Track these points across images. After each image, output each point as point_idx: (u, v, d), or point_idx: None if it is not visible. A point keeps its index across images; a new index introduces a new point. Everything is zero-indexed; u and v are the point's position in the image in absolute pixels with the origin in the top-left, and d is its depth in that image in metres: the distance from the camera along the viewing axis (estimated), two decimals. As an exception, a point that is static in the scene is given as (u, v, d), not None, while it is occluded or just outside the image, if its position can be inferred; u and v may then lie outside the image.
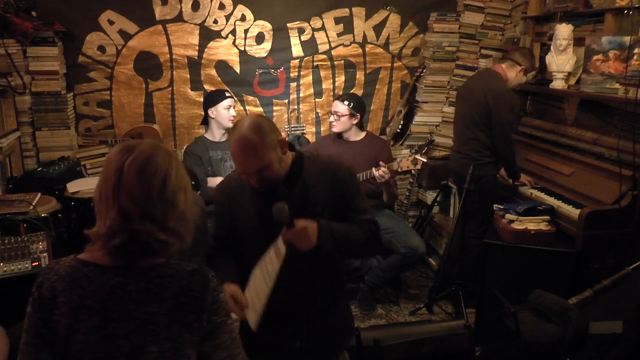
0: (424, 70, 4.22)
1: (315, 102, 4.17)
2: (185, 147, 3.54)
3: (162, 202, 1.13)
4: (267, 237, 1.65)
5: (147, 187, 1.12)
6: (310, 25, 4.00)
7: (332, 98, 4.09)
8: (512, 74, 3.31)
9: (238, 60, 3.96)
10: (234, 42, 3.92)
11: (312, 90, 4.14)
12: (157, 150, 1.17)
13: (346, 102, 3.38)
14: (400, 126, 4.22)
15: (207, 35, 3.87)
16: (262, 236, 1.68)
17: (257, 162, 1.59)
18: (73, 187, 3.19)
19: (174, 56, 3.85)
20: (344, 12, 4.04)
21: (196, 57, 3.88)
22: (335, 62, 4.12)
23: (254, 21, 3.91)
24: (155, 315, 1.11)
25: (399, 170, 3.11)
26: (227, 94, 3.40)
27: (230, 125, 3.39)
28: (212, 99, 3.39)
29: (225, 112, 3.34)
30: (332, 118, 3.43)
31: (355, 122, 3.41)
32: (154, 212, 1.13)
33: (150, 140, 1.22)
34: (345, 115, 3.37)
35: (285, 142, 1.68)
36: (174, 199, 1.15)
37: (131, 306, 1.11)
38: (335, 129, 3.43)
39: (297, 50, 4.03)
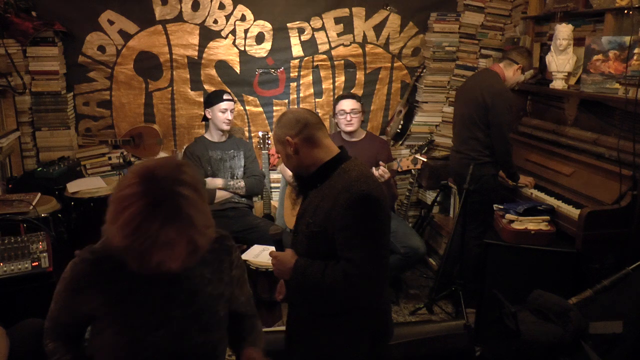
0: (424, 70, 4.22)
1: (315, 102, 4.17)
2: (185, 148, 3.54)
3: None
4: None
5: None
6: (310, 25, 4.00)
7: (332, 98, 4.09)
8: (510, 72, 3.31)
9: (238, 60, 3.95)
10: (234, 42, 3.92)
11: (312, 90, 4.14)
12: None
13: (356, 98, 3.39)
14: (400, 126, 4.22)
15: (207, 35, 3.87)
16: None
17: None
18: (73, 187, 3.19)
19: (174, 56, 3.85)
20: (344, 12, 4.03)
21: (196, 57, 3.88)
22: (335, 62, 4.12)
23: (254, 21, 3.91)
24: None
25: (399, 169, 3.11)
26: (226, 97, 3.35)
27: (225, 127, 3.36)
28: (210, 99, 3.39)
29: (220, 114, 3.32)
30: (346, 117, 3.35)
31: (362, 119, 3.44)
32: None
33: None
34: (361, 111, 3.39)
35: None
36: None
37: None
38: (351, 128, 3.37)
39: (297, 50, 4.02)
